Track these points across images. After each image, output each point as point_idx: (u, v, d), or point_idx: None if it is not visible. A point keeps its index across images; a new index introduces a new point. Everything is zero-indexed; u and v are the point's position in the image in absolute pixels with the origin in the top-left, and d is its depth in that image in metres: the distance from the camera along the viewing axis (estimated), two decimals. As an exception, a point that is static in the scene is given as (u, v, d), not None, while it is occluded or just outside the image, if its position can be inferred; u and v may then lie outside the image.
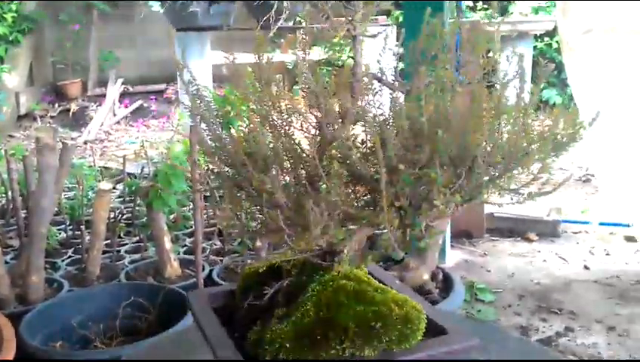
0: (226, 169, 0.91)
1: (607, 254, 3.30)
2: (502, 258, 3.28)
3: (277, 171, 0.85)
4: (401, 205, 0.84)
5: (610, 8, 3.45)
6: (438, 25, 0.95)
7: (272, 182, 0.82)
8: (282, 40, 6.57)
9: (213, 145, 0.93)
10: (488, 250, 3.37)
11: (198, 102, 0.93)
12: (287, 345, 0.84)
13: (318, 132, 0.91)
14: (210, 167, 0.93)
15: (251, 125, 0.88)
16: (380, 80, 0.95)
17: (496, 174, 0.87)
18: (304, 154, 0.88)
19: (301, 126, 0.91)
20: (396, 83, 0.96)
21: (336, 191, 0.79)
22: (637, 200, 3.50)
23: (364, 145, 0.88)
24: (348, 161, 0.84)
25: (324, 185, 0.80)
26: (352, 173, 0.83)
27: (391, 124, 0.89)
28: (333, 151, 0.84)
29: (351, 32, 0.96)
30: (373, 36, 0.90)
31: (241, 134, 0.90)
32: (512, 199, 0.89)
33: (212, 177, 0.93)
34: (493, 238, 3.52)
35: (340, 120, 0.89)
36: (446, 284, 2.34)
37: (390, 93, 0.92)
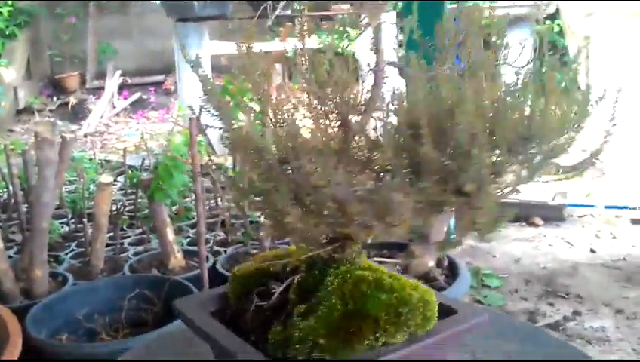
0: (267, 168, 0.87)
1: (614, 237, 3.28)
2: (507, 243, 3.26)
3: (343, 165, 0.82)
4: (468, 189, 0.82)
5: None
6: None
7: (338, 176, 0.79)
8: (281, 28, 6.52)
9: (256, 142, 0.88)
10: (494, 236, 3.35)
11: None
12: (322, 342, 0.82)
13: (340, 123, 0.89)
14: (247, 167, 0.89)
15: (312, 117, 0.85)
16: (400, 68, 0.94)
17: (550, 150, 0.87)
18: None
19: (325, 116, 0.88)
20: (409, 70, 0.94)
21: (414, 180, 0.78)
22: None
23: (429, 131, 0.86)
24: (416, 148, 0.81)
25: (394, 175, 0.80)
26: (417, 161, 0.82)
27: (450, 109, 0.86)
28: (401, 140, 0.82)
29: (370, 19, 0.94)
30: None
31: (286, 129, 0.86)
32: (560, 173, 0.90)
33: (256, 179, 0.88)
34: (497, 223, 3.51)
35: (363, 109, 0.88)
36: (452, 271, 2.32)
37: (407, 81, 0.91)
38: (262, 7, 5.08)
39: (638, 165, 3.59)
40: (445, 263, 2.36)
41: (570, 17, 3.71)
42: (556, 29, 6.60)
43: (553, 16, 6.43)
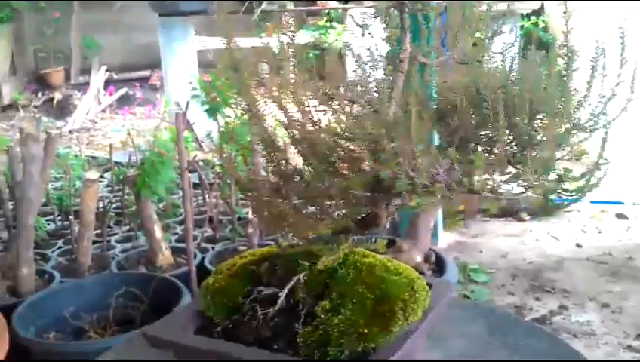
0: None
1: (599, 232, 3.31)
2: (494, 238, 3.28)
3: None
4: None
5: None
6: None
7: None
8: (267, 23, 6.49)
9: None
10: (481, 231, 3.37)
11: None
12: (365, 331, 0.83)
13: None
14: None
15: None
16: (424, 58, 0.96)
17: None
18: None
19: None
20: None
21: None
22: (629, 178, 3.51)
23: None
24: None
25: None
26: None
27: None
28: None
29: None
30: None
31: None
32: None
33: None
34: (485, 219, 3.52)
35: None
36: (439, 266, 2.33)
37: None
38: (247, 2, 5.05)
39: (623, 160, 3.63)
40: (433, 258, 2.37)
41: (554, 14, 3.74)
42: (542, 24, 6.65)
43: (538, 12, 6.47)
